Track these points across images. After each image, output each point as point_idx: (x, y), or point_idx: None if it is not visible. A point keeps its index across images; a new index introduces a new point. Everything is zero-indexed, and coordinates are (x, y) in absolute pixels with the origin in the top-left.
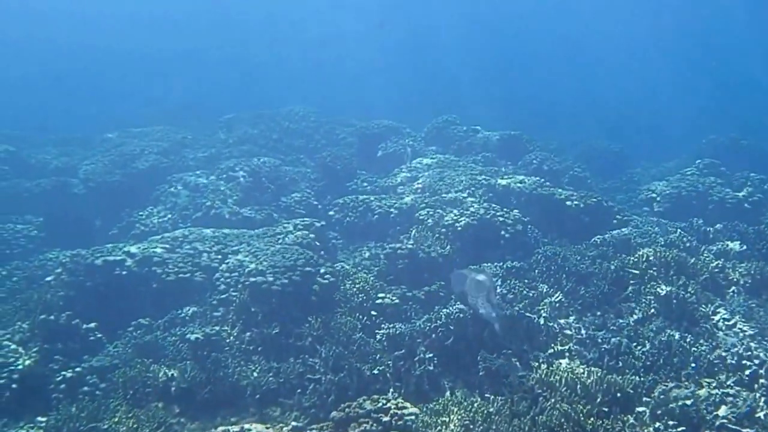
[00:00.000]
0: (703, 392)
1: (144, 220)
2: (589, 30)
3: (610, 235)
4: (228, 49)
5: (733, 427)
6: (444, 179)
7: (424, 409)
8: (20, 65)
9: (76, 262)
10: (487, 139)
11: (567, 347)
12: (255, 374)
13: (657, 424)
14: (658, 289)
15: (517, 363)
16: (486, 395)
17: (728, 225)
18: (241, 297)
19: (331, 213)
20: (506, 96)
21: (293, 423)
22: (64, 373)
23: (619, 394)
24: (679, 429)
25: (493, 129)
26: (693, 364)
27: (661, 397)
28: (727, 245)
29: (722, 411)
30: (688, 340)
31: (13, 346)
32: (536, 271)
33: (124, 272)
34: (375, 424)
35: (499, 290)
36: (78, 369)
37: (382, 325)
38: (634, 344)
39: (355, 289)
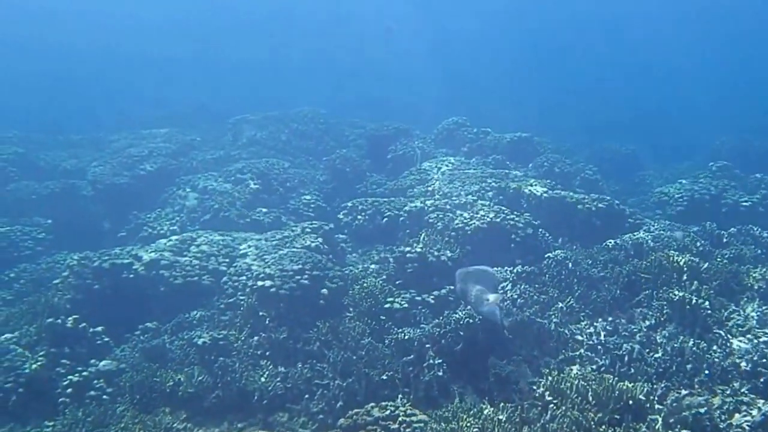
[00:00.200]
0: (717, 400)
1: (152, 222)
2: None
3: (621, 239)
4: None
5: None
6: (454, 182)
7: (434, 415)
8: (29, 66)
9: (83, 265)
10: (498, 141)
11: (578, 353)
12: (263, 379)
13: None
14: (670, 295)
15: (528, 369)
16: (496, 402)
17: (742, 229)
18: (249, 301)
19: (340, 216)
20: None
21: (301, 429)
22: (70, 377)
23: (630, 402)
24: None
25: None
26: (706, 371)
27: (674, 404)
28: (741, 249)
29: (736, 419)
30: (701, 346)
31: (20, 350)
32: (547, 275)
33: (131, 275)
34: None
35: (509, 294)
36: (85, 373)
37: (391, 330)
38: (647, 350)
39: (363, 294)
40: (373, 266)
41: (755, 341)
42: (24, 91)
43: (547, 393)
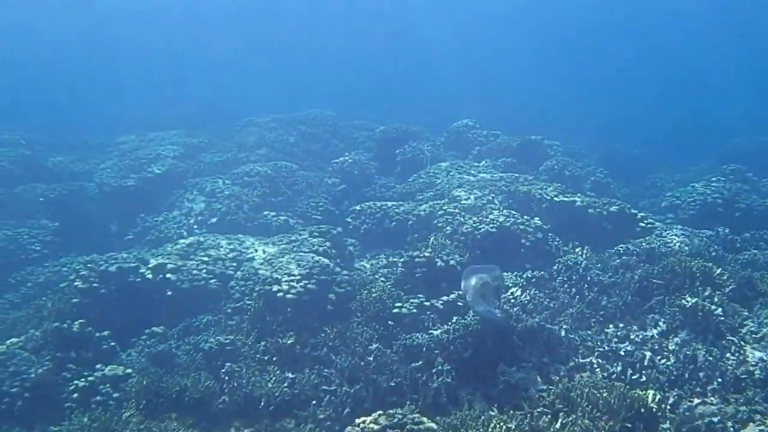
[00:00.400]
0: (729, 409)
1: (159, 225)
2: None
3: (633, 244)
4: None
5: None
6: (463, 185)
7: (442, 423)
8: (38, 66)
9: (90, 268)
10: (507, 143)
11: (588, 360)
12: (269, 385)
13: None
14: (683, 301)
15: (537, 376)
16: (505, 409)
17: (756, 234)
18: (256, 305)
19: (349, 219)
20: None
21: None
22: (76, 382)
23: (642, 410)
24: None
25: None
26: (719, 380)
27: (687, 413)
28: (755, 254)
29: (750, 429)
30: (714, 353)
31: (26, 354)
32: (557, 280)
33: (138, 279)
34: None
35: (519, 299)
36: (91, 378)
37: (399, 336)
38: (658, 358)
39: (371, 298)
40: (381, 271)
41: None
42: (29, 92)
43: (557, 401)
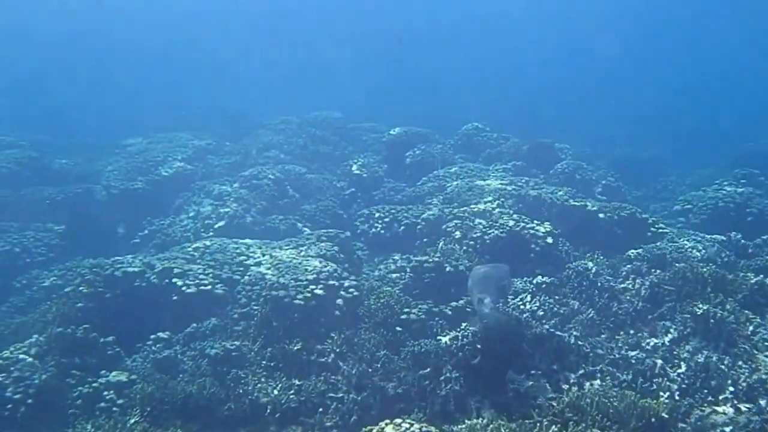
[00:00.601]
0: (742, 418)
1: (166, 229)
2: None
3: (644, 249)
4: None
5: None
6: (473, 189)
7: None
8: (45, 68)
9: (95, 272)
10: (518, 146)
11: (599, 368)
12: (275, 392)
13: None
14: (694, 308)
15: (547, 384)
16: (514, 418)
17: None
18: (263, 311)
19: (357, 223)
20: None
21: None
22: (80, 388)
23: (653, 420)
24: None
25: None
26: (731, 388)
27: (698, 423)
28: (767, 260)
29: None
30: (726, 362)
31: (30, 360)
32: (567, 286)
33: (144, 284)
34: None
35: (529, 306)
36: (95, 384)
37: (407, 342)
38: (669, 366)
39: (379, 304)
40: (389, 276)
41: None
42: (36, 93)
43: (567, 410)
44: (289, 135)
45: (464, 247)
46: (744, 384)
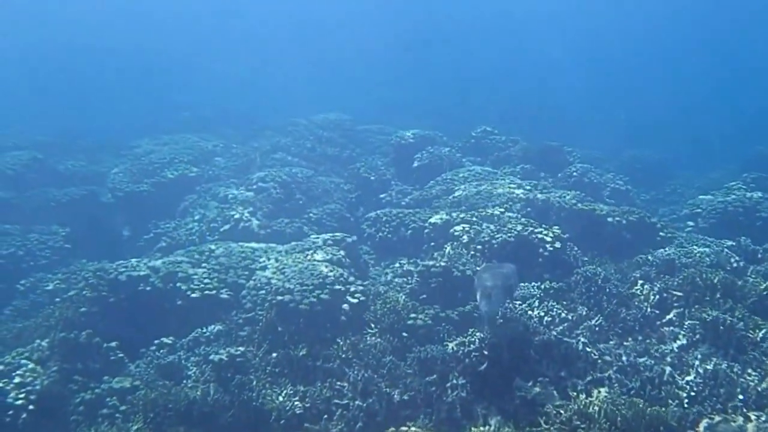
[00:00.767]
0: (751, 426)
1: (171, 232)
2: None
3: (652, 255)
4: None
5: None
6: (481, 193)
7: None
8: (52, 69)
9: (99, 276)
10: (527, 150)
11: (607, 374)
12: (280, 398)
13: None
14: (703, 314)
15: (554, 391)
16: (521, 425)
17: None
18: (268, 316)
19: (364, 227)
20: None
21: None
22: (83, 394)
23: (662, 428)
24: None
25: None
26: (741, 396)
27: (707, 431)
28: None
29: None
30: (735, 369)
31: (31, 365)
32: (575, 292)
33: (148, 288)
34: None
35: (537, 312)
36: (97, 390)
37: (414, 348)
38: (678, 373)
39: (386, 309)
40: (396, 280)
41: None
42: (46, 94)
43: (575, 417)
44: (297, 137)
45: (472, 252)
46: (754, 392)
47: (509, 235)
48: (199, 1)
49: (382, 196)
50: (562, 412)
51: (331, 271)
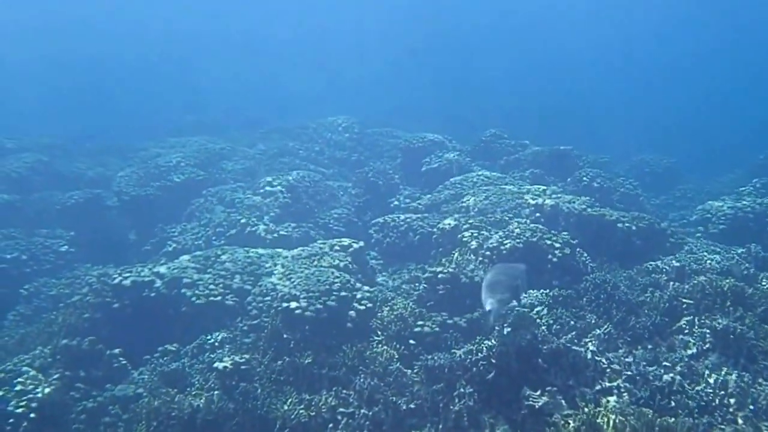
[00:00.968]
0: None
1: (177, 237)
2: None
3: (662, 261)
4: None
5: None
6: (489, 198)
7: None
8: (58, 72)
9: (103, 282)
10: (536, 154)
11: (616, 383)
12: (285, 406)
13: None
14: (713, 322)
15: (563, 400)
16: None
17: None
18: (273, 323)
19: (371, 232)
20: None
21: None
22: (84, 402)
23: None
24: None
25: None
26: (751, 406)
27: None
28: None
29: None
30: (745, 379)
31: (33, 373)
32: (584, 299)
33: (153, 294)
34: None
35: (545, 319)
36: (100, 398)
37: (421, 356)
38: (688, 382)
39: (393, 316)
40: (403, 287)
41: None
42: (52, 95)
43: (583, 427)
44: (305, 140)
45: (480, 258)
46: (764, 402)
47: (518, 241)
48: (208, 5)
49: (390, 200)
50: (570, 422)
51: (337, 277)
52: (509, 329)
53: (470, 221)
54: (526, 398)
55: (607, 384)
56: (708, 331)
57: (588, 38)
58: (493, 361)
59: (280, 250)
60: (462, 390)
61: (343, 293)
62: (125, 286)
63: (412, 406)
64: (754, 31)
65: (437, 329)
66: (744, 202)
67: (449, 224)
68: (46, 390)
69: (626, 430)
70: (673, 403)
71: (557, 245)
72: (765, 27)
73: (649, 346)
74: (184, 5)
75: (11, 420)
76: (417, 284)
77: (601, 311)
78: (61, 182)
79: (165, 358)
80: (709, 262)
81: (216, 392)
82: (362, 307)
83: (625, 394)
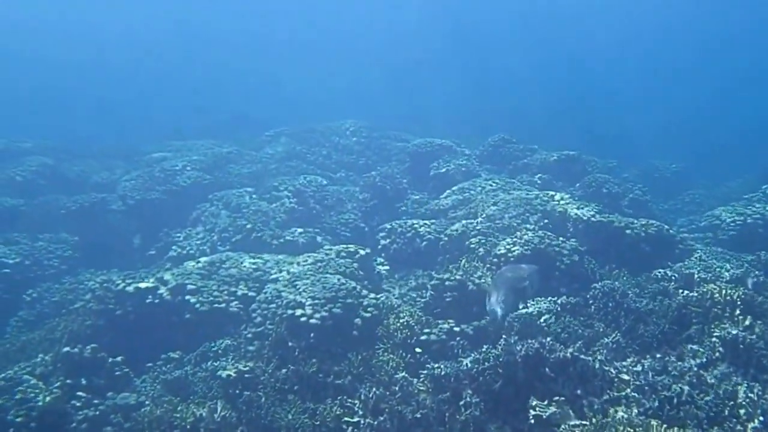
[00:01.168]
0: None
1: (182, 242)
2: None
3: (671, 269)
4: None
5: None
6: (497, 203)
7: None
8: (63, 73)
9: (106, 288)
10: (545, 159)
11: (624, 393)
12: (289, 416)
13: None
14: (723, 331)
15: (570, 411)
16: None
17: None
18: (278, 330)
19: (378, 238)
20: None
21: None
22: (86, 411)
23: None
24: None
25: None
26: (761, 418)
27: None
28: None
29: None
30: (755, 389)
31: (34, 381)
32: (593, 307)
33: (156, 301)
34: None
35: (553, 328)
36: (101, 407)
37: (427, 364)
38: (697, 392)
39: (399, 324)
40: (410, 294)
41: None
42: (57, 97)
43: None
44: (312, 144)
45: (488, 265)
46: None
47: (526, 247)
48: (217, 7)
49: (397, 205)
50: None
51: (343, 284)
52: (516, 337)
53: (478, 227)
54: (533, 408)
55: (615, 394)
56: (717, 340)
57: (596, 41)
58: (500, 370)
59: (285, 256)
60: (468, 399)
61: (349, 300)
62: (128, 293)
63: (417, 415)
64: (754, 31)
65: (444, 337)
66: (753, 209)
67: (457, 230)
68: (47, 398)
69: None
70: (682, 414)
71: (565, 252)
72: (765, 27)
73: (658, 355)
74: (191, 8)
75: (11, 429)
76: (424, 291)
77: (610, 319)
78: (66, 186)
79: (168, 366)
80: (718, 269)
81: (219, 401)
82: (368, 315)
83: (633, 404)
